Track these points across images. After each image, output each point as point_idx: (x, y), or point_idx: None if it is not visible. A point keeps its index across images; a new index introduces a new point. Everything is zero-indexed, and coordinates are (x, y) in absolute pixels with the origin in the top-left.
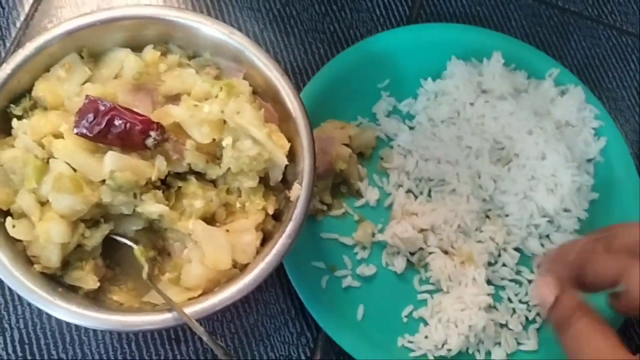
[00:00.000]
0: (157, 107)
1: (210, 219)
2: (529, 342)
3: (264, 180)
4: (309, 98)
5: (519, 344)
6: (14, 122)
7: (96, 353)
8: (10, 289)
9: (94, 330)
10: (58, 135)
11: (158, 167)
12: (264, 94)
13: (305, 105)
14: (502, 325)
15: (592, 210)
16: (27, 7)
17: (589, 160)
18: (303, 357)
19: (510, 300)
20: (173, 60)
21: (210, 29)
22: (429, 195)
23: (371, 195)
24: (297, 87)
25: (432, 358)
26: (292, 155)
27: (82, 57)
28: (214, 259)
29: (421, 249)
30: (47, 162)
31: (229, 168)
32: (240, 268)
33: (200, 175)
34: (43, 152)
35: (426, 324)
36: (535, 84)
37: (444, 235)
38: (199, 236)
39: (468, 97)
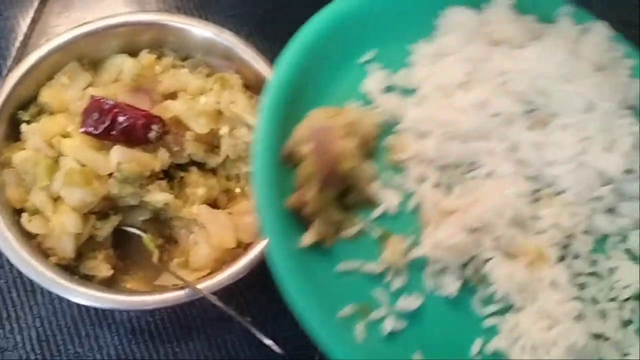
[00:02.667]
0: (155, 105)
1: (213, 205)
2: (634, 350)
3: None
4: (278, 89)
5: (624, 354)
6: (23, 127)
7: (111, 345)
8: (25, 290)
9: (108, 324)
10: (66, 135)
11: (161, 159)
12: (254, 88)
13: (275, 99)
14: (596, 337)
15: None
16: (24, 28)
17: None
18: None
19: (596, 300)
20: (167, 62)
21: (200, 30)
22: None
23: (389, 198)
24: None
25: None
26: None
27: (82, 65)
28: (219, 239)
29: (473, 257)
30: (57, 160)
31: (228, 156)
32: (244, 247)
33: (200, 165)
34: (52, 152)
35: (507, 358)
36: (551, 26)
37: (500, 232)
38: (204, 218)
39: (480, 52)
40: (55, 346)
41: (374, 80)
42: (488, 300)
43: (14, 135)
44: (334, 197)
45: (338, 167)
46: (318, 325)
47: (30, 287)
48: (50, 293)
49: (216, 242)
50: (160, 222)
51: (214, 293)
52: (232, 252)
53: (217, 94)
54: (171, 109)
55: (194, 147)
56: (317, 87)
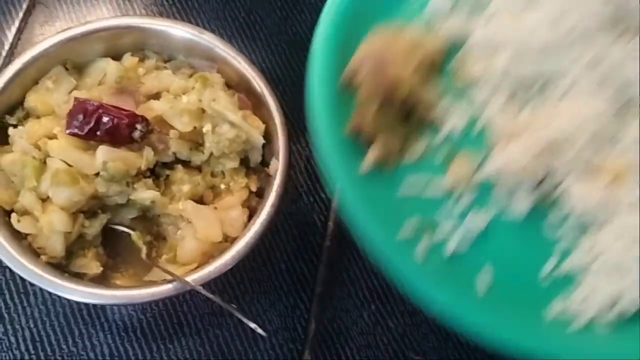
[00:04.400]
0: (139, 105)
1: (198, 201)
2: None
3: (245, 162)
4: (336, 11)
5: None
6: (10, 130)
7: (104, 344)
8: (18, 292)
9: (101, 322)
10: (52, 137)
11: (146, 157)
12: (237, 86)
13: (334, 21)
14: None
15: None
16: (10, 38)
17: None
18: (299, 327)
19: None
20: (150, 64)
21: (181, 32)
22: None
23: (456, 119)
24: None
25: (604, 326)
26: (268, 137)
27: (67, 69)
28: (206, 233)
29: (546, 176)
30: (44, 162)
31: (212, 153)
32: (231, 241)
33: (185, 163)
34: (39, 154)
35: (580, 280)
36: None
37: (576, 151)
38: (190, 213)
39: None
40: (49, 346)
41: (438, 0)
42: (562, 220)
43: (2, 139)
44: (395, 119)
45: (395, 91)
46: (380, 246)
47: (23, 289)
48: (43, 294)
49: (203, 237)
50: (147, 219)
51: (202, 286)
52: (218, 246)
53: (199, 93)
54: (154, 109)
55: (178, 145)
56: (381, 8)
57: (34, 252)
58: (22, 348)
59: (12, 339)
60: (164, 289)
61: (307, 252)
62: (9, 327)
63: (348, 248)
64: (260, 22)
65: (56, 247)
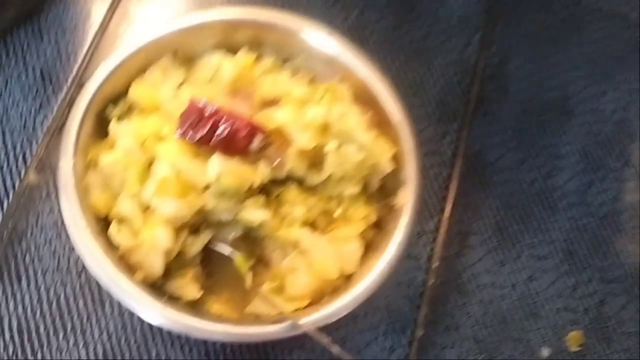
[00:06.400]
0: (254, 111)
1: (310, 227)
2: None
3: (363, 187)
4: None
5: None
6: (112, 125)
7: None
8: (93, 299)
9: (181, 345)
10: (160, 138)
11: (261, 173)
12: (358, 100)
13: None
14: None
15: None
16: (102, 14)
17: None
18: None
19: None
20: (267, 63)
21: (306, 32)
22: None
23: None
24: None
25: None
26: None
27: (176, 61)
28: (322, 268)
29: None
30: (149, 166)
31: (330, 174)
32: (344, 279)
33: (298, 182)
34: (145, 156)
35: None
36: None
37: None
38: (307, 243)
39: None
40: None
41: None
42: None
43: (101, 132)
44: None
45: None
46: None
47: (99, 297)
48: (120, 305)
49: (319, 271)
50: (250, 240)
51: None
52: (333, 283)
53: (327, 106)
54: (275, 119)
55: (296, 161)
56: None
57: (127, 267)
58: None
59: (82, 353)
60: (272, 331)
61: (409, 288)
62: (79, 339)
63: (455, 290)
64: (374, 23)
65: (155, 264)
